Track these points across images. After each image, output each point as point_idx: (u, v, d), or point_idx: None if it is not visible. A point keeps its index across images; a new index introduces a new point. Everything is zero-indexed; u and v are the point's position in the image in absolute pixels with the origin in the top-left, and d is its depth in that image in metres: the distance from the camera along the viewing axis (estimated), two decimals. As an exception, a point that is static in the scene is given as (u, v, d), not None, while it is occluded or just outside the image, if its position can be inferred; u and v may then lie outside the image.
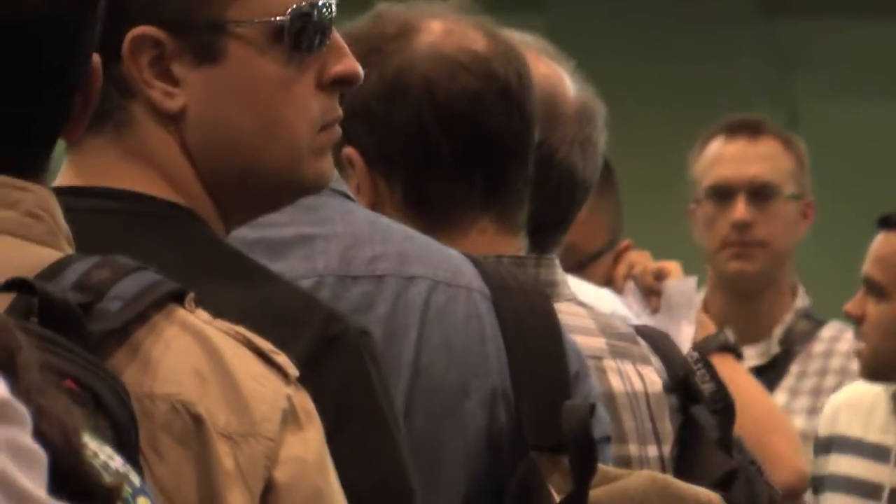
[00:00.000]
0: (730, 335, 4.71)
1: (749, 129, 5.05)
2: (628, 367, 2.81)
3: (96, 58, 1.91)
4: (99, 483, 1.46)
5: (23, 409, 1.34)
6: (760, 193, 4.98)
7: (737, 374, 4.25)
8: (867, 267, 4.48)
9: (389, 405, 2.10)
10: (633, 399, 2.80)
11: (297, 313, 2.09)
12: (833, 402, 4.44)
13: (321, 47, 2.15)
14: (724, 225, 4.97)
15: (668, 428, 2.78)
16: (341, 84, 2.20)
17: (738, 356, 4.17)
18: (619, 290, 4.34)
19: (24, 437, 1.34)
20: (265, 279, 2.14)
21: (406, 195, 2.74)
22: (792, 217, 5.15)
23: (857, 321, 4.52)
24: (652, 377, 2.81)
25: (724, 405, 2.81)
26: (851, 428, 4.42)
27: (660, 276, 4.48)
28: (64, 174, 2.13)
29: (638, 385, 2.81)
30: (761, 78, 8.90)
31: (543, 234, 2.96)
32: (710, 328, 4.58)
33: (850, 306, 4.52)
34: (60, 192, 2.02)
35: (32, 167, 1.90)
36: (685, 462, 2.76)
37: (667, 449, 2.78)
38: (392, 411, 2.13)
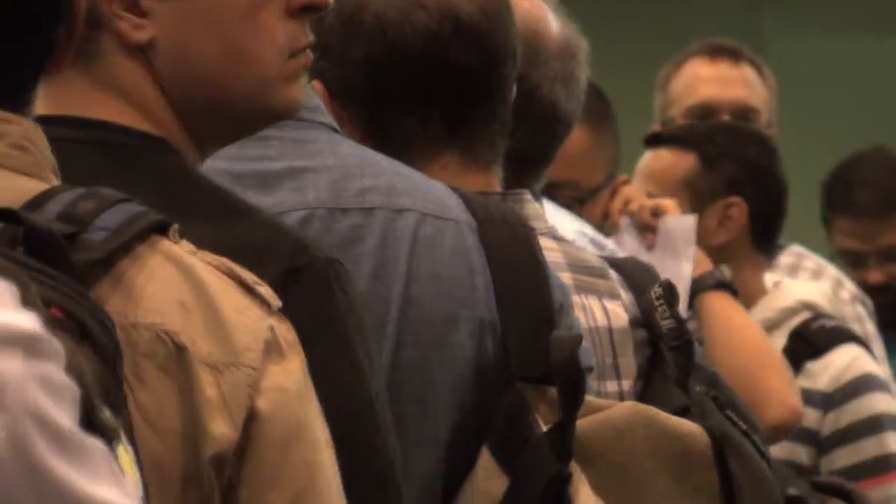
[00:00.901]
0: (726, 272, 4.57)
1: (730, 52, 4.92)
2: (593, 302, 2.80)
3: None
4: (104, 419, 1.47)
5: (57, 345, 1.34)
6: (743, 117, 4.82)
7: (731, 312, 4.19)
8: (639, 184, 4.45)
9: (359, 334, 2.07)
10: (595, 334, 2.77)
11: (263, 244, 2.05)
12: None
13: None
14: None
15: (630, 363, 2.78)
16: (308, 10, 2.17)
17: (734, 293, 4.02)
18: (614, 226, 4.22)
19: (59, 372, 1.33)
20: (236, 211, 2.10)
21: (366, 130, 2.70)
22: None
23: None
24: (618, 311, 2.81)
25: (681, 342, 2.79)
26: None
27: (656, 213, 4.29)
28: (38, 104, 1.99)
29: (601, 320, 2.79)
30: (728, 14, 8.98)
31: (525, 168, 2.94)
32: (707, 265, 4.52)
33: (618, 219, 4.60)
34: (38, 121, 1.96)
35: (17, 100, 1.86)
36: (646, 396, 2.76)
37: (627, 384, 2.78)
38: (363, 340, 2.10)
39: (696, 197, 4.38)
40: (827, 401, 4.38)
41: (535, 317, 2.39)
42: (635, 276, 2.87)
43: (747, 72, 4.82)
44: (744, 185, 4.39)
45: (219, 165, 2.24)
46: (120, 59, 2.07)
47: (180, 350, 1.78)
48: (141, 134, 2.06)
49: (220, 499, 1.79)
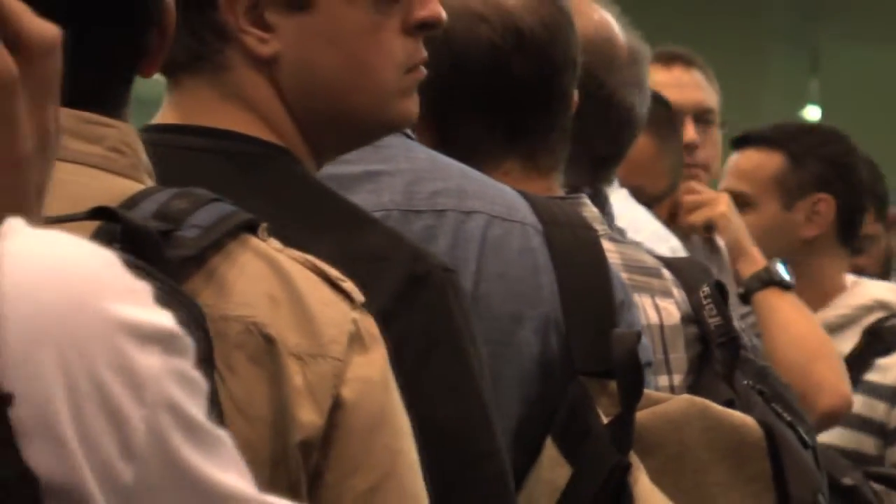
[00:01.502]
0: (778, 269, 4.63)
1: (682, 59, 4.83)
2: (646, 301, 2.83)
3: (170, 1, 1.91)
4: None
5: (189, 341, 1.37)
6: (703, 119, 4.74)
7: (784, 307, 4.24)
8: (728, 182, 4.57)
9: (471, 341, 2.12)
10: (647, 331, 2.80)
11: (385, 251, 2.12)
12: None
13: None
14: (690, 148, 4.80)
15: (681, 358, 2.84)
16: (425, 27, 2.22)
17: (786, 288, 4.09)
18: (685, 235, 4.27)
19: (190, 367, 1.36)
20: (356, 218, 2.17)
21: (435, 136, 2.75)
22: (720, 144, 4.96)
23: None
24: (670, 309, 2.85)
25: (727, 339, 2.83)
26: None
27: (708, 227, 4.39)
28: (164, 113, 2.14)
29: (653, 318, 2.84)
30: (787, 27, 9.00)
31: (602, 168, 3.09)
32: (761, 263, 4.58)
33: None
34: (164, 130, 2.11)
35: (115, 103, 1.91)
36: (695, 390, 2.80)
37: (678, 378, 2.83)
38: (475, 347, 2.15)
39: (786, 193, 4.45)
40: (895, 395, 4.39)
41: (597, 314, 2.43)
42: (689, 275, 2.91)
43: (698, 76, 4.77)
44: (830, 182, 4.42)
45: None
46: (246, 72, 2.12)
47: (269, 342, 1.83)
48: (264, 143, 2.12)
49: (307, 482, 1.85)
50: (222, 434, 1.36)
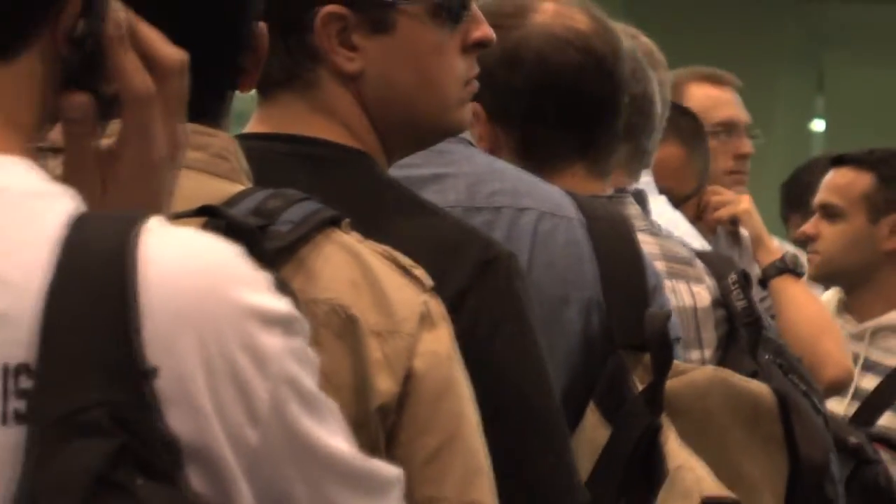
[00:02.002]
0: (791, 258, 4.75)
1: (727, 80, 5.08)
2: (682, 286, 3.02)
3: (262, 26, 2.03)
4: None
5: (305, 324, 1.47)
6: (746, 130, 5.01)
7: (797, 292, 4.50)
8: (823, 195, 4.72)
9: (534, 319, 2.25)
10: (682, 312, 2.98)
11: (458, 239, 2.25)
12: None
13: (464, 18, 2.31)
14: (729, 157, 4.92)
15: (711, 336, 3.02)
16: (479, 46, 2.37)
17: (798, 275, 4.33)
18: (706, 225, 4.49)
19: (305, 346, 1.45)
20: (430, 212, 2.31)
21: (518, 143, 2.92)
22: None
23: (811, 239, 4.72)
24: (702, 294, 3.04)
25: (751, 320, 3.02)
26: None
27: (734, 221, 4.68)
28: (255, 124, 2.28)
29: (688, 301, 3.02)
30: (795, 51, 8.99)
31: (647, 161, 3.37)
32: (776, 254, 4.67)
33: (807, 228, 4.72)
34: (260, 138, 2.24)
35: (216, 116, 2.03)
36: (723, 363, 2.97)
37: (708, 353, 3.02)
38: (535, 324, 2.27)
39: (872, 209, 4.66)
40: None
41: (632, 296, 2.58)
42: (717, 265, 3.13)
43: (735, 94, 5.02)
44: None
45: None
46: (333, 87, 2.25)
47: (352, 321, 1.96)
48: (347, 148, 2.25)
49: (384, 442, 1.98)
50: (332, 404, 1.48)
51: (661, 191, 3.90)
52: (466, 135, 2.64)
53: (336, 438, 1.47)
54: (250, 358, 1.38)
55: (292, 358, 1.43)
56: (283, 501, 1.46)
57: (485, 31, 2.37)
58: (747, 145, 4.93)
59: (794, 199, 5.94)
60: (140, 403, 1.33)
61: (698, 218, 4.44)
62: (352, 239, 2.01)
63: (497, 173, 2.58)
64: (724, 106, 4.88)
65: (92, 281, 1.38)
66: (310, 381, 1.45)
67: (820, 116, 10.56)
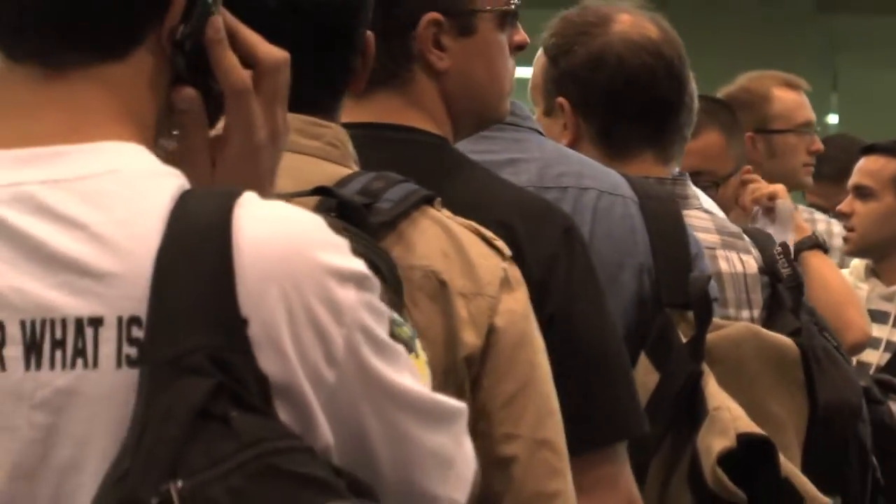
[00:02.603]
0: (819, 236, 4.88)
1: (802, 85, 5.17)
2: (733, 255, 3.17)
3: (370, 34, 2.14)
4: (402, 333, 1.72)
5: (376, 281, 1.53)
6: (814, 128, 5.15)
7: (823, 265, 4.65)
8: (857, 178, 4.96)
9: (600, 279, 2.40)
10: (735, 277, 3.16)
11: (542, 210, 2.41)
12: None
13: (514, 25, 2.49)
14: (804, 152, 4.94)
15: (758, 298, 3.16)
16: (518, 49, 2.51)
17: (825, 251, 4.49)
18: (741, 205, 4.57)
19: (377, 300, 1.51)
20: (513, 187, 2.46)
21: (598, 132, 3.11)
22: None
23: (846, 216, 4.94)
24: (750, 262, 3.18)
25: (795, 284, 3.20)
26: None
27: (772, 197, 4.71)
28: (355, 116, 2.34)
29: (739, 268, 3.17)
30: (812, 54, 8.99)
31: (685, 149, 3.37)
32: (807, 231, 4.80)
33: (843, 206, 4.94)
34: (364, 127, 2.33)
35: (329, 111, 2.15)
36: (769, 322, 3.14)
37: (756, 312, 3.16)
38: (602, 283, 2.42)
39: None
40: None
41: (677, 263, 2.74)
42: (760, 239, 3.29)
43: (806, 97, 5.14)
44: None
45: None
46: (424, 83, 2.38)
47: (443, 285, 2.08)
48: (434, 135, 2.40)
49: (470, 387, 2.09)
50: (399, 348, 1.55)
51: (704, 173, 4.09)
52: (538, 126, 2.82)
53: (404, 377, 1.54)
54: (327, 308, 1.45)
55: (364, 309, 1.49)
56: (357, 432, 1.53)
57: (523, 36, 2.51)
58: (819, 143, 5.02)
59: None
60: (235, 348, 1.40)
61: (735, 198, 4.53)
62: (443, 215, 2.12)
63: (563, 158, 2.73)
64: (804, 109, 4.99)
65: (195, 246, 1.46)
66: (380, 329, 1.52)
67: (834, 112, 10.88)
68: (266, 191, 1.63)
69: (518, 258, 2.23)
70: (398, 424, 1.54)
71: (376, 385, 1.51)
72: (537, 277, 2.27)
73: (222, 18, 1.61)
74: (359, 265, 1.51)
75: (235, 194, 1.49)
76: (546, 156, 2.68)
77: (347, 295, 1.47)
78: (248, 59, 1.62)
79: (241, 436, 1.37)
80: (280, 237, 1.48)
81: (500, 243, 2.16)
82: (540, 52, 3.26)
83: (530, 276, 2.27)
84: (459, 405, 1.64)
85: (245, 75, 1.63)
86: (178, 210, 1.47)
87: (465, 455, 1.64)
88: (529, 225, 2.30)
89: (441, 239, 2.13)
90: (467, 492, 1.68)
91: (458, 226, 2.13)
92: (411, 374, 1.58)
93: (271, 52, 1.63)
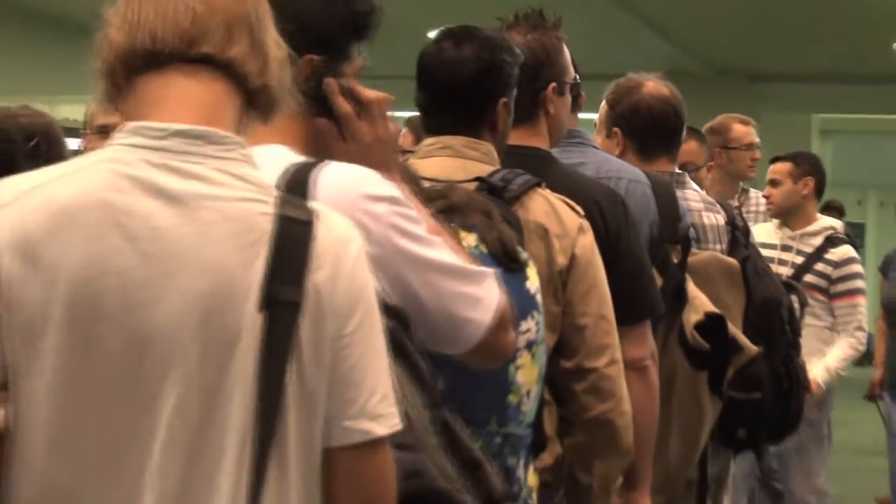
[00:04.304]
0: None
1: (751, 122, 5.75)
2: (710, 214, 3.69)
3: (503, 101, 2.43)
4: (521, 255, 2.14)
5: (409, 207, 1.81)
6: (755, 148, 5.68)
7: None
8: (770, 175, 5.69)
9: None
10: (712, 227, 3.70)
11: (612, 192, 2.82)
12: (755, 229, 5.08)
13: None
14: (748, 160, 5.67)
15: (725, 238, 3.70)
16: (577, 105, 2.86)
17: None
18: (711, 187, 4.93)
19: (411, 210, 1.78)
20: (588, 178, 2.87)
21: (637, 147, 3.66)
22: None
23: (768, 196, 5.70)
24: (720, 218, 3.71)
25: (745, 232, 3.76)
26: (758, 237, 5.07)
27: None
28: (511, 140, 2.52)
29: (713, 221, 3.70)
30: (736, 99, 9.57)
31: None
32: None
33: (765, 192, 5.68)
34: (514, 147, 2.60)
35: (480, 135, 2.47)
36: (730, 252, 3.68)
37: (723, 247, 3.70)
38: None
39: (793, 178, 5.62)
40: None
41: (672, 219, 3.24)
42: (725, 206, 3.79)
43: (753, 128, 5.66)
44: (811, 173, 5.61)
45: None
46: (542, 122, 2.81)
47: (545, 230, 2.42)
48: (545, 150, 2.81)
49: (561, 288, 2.43)
50: (437, 239, 1.84)
51: (688, 163, 4.45)
52: (596, 143, 3.32)
53: (436, 252, 1.81)
54: (364, 214, 1.74)
55: (396, 216, 1.78)
56: (404, 284, 1.81)
57: (582, 97, 2.84)
58: (757, 154, 5.68)
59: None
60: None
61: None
62: (546, 192, 2.47)
63: (607, 161, 3.20)
64: (751, 135, 5.65)
65: (293, 188, 1.74)
66: (412, 227, 1.80)
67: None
68: (383, 170, 1.89)
69: (602, 217, 2.65)
70: (431, 279, 1.82)
71: (410, 257, 1.79)
72: (613, 229, 2.71)
73: (340, 81, 1.92)
74: (392, 192, 1.81)
75: (322, 163, 1.80)
76: (598, 160, 3.18)
77: (380, 207, 1.79)
78: (358, 98, 1.95)
79: None
80: (339, 180, 1.79)
81: (578, 208, 2.47)
82: (603, 102, 3.73)
83: (608, 226, 2.69)
84: (487, 270, 1.91)
85: (348, 108, 1.93)
86: (288, 170, 1.85)
87: (490, 296, 1.89)
88: (606, 200, 2.74)
89: (544, 205, 2.47)
90: (492, 315, 1.91)
91: (554, 198, 2.48)
92: (449, 253, 1.84)
93: (369, 94, 1.95)
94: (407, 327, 1.68)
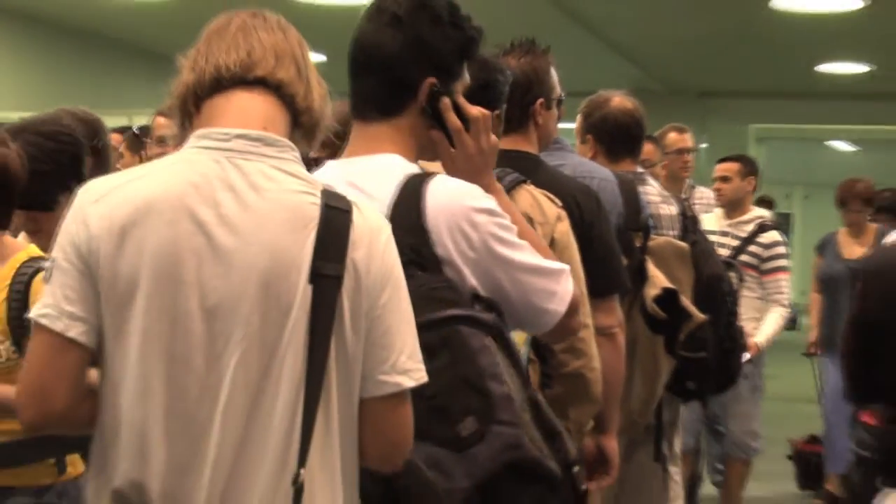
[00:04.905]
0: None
1: (686, 129, 5.71)
2: (666, 206, 3.69)
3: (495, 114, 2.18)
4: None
5: (503, 213, 1.78)
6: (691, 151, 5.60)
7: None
8: (719, 172, 5.63)
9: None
10: (667, 217, 3.69)
11: (588, 189, 2.80)
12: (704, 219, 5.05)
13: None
14: (681, 162, 5.56)
15: (678, 226, 3.68)
16: (559, 117, 2.76)
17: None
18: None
19: (506, 219, 1.75)
20: (570, 178, 2.82)
21: (606, 151, 3.61)
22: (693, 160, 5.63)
23: (718, 190, 5.63)
24: (674, 209, 3.70)
25: (693, 218, 3.76)
26: (709, 225, 5.18)
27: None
28: (502, 145, 2.25)
29: (668, 212, 3.69)
30: (686, 112, 9.17)
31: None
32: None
33: (714, 187, 5.61)
34: (507, 152, 2.45)
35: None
36: (681, 238, 3.65)
37: (675, 233, 3.67)
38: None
39: (740, 175, 5.52)
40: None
41: (634, 210, 3.23)
42: (676, 197, 3.78)
43: (689, 136, 5.65)
44: (754, 172, 5.49)
45: None
46: (532, 131, 2.78)
47: (530, 219, 2.32)
48: (533, 154, 2.77)
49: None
50: (524, 243, 1.83)
51: (646, 160, 4.42)
52: (573, 149, 3.27)
53: (524, 255, 1.81)
54: (467, 225, 1.75)
55: (493, 225, 1.78)
56: (495, 282, 1.79)
57: (562, 111, 2.73)
58: (688, 158, 5.63)
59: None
60: (424, 243, 1.70)
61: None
62: (530, 188, 2.46)
63: (583, 164, 3.18)
64: (684, 141, 5.60)
65: (407, 200, 1.75)
66: (504, 233, 1.79)
67: (706, 144, 11.16)
68: (482, 177, 1.88)
69: (578, 209, 2.63)
70: (518, 277, 1.83)
71: (502, 259, 1.80)
72: (587, 219, 2.70)
73: (451, 98, 1.89)
74: (490, 204, 1.82)
75: (432, 175, 1.77)
76: (575, 163, 3.15)
77: (481, 218, 1.79)
78: (464, 114, 1.93)
79: (417, 280, 1.66)
80: (448, 193, 1.79)
81: (557, 200, 2.45)
82: (579, 114, 3.68)
83: (583, 216, 2.66)
84: (561, 266, 1.90)
85: (458, 123, 1.90)
86: (404, 181, 1.82)
87: (564, 289, 1.91)
88: (581, 195, 2.74)
89: (529, 199, 2.48)
90: (566, 306, 1.93)
91: (537, 192, 2.48)
92: (532, 255, 1.86)
93: (473, 109, 1.94)
94: (502, 317, 1.71)
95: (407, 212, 1.74)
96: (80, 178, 2.51)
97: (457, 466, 1.62)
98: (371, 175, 1.82)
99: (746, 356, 4.64)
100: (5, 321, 2.33)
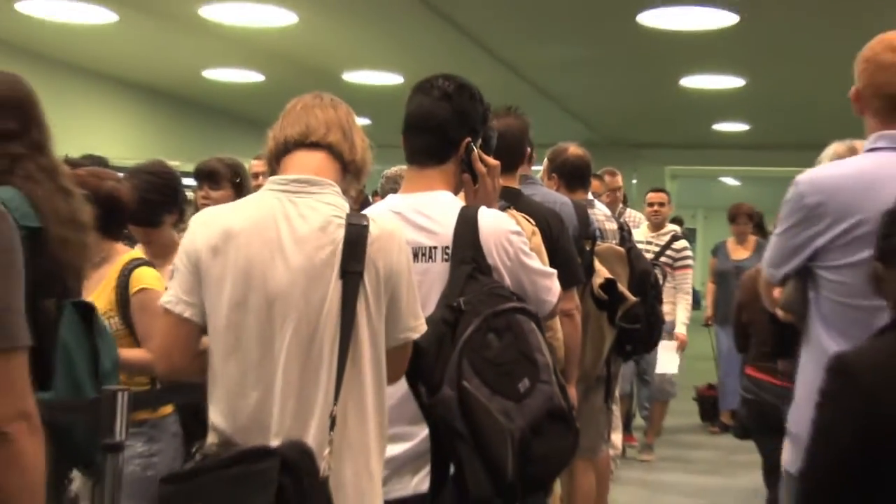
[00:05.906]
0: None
1: (617, 173, 5.23)
2: (609, 223, 3.60)
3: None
4: None
5: (523, 233, 1.76)
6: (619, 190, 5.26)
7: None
8: (650, 199, 5.47)
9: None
10: (611, 230, 3.59)
11: (554, 214, 2.69)
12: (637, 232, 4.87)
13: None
14: (615, 196, 5.18)
15: (617, 236, 3.57)
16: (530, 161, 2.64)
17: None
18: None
19: (524, 238, 1.72)
20: (541, 205, 2.70)
21: (565, 185, 3.52)
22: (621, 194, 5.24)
23: (659, 213, 5.44)
24: (614, 225, 3.60)
25: (629, 232, 3.66)
26: (638, 237, 4.88)
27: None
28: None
29: (611, 227, 3.61)
30: (625, 163, 7.90)
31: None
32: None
33: (654, 209, 5.43)
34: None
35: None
36: (622, 243, 3.56)
37: (616, 242, 3.57)
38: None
39: (671, 201, 5.37)
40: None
41: (584, 223, 3.10)
42: (615, 217, 3.68)
43: (619, 178, 5.28)
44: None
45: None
46: (518, 172, 2.66)
47: (514, 232, 1.93)
48: (518, 189, 2.66)
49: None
50: (534, 253, 1.85)
51: (593, 193, 4.01)
52: (542, 183, 3.19)
53: (535, 262, 1.85)
54: (507, 242, 1.79)
55: (520, 242, 1.83)
56: (519, 281, 1.79)
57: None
58: (619, 193, 5.27)
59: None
60: (480, 255, 1.73)
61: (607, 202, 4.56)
62: (513, 212, 2.31)
63: (549, 194, 3.09)
64: (615, 181, 5.26)
65: (466, 224, 1.77)
66: (526, 247, 1.84)
67: (635, 180, 10.99)
68: (491, 206, 1.90)
69: (548, 227, 2.52)
70: (533, 278, 1.85)
71: (526, 266, 1.83)
72: (555, 234, 2.59)
73: (478, 151, 1.90)
74: (517, 227, 1.82)
75: (480, 208, 1.82)
76: (544, 193, 3.07)
77: (514, 238, 1.82)
78: (485, 163, 1.93)
79: (481, 281, 1.73)
80: (493, 221, 1.81)
81: (532, 220, 2.34)
82: (546, 158, 3.60)
83: (551, 232, 2.55)
84: (553, 270, 1.91)
85: (484, 169, 1.91)
86: (462, 211, 1.82)
87: (556, 286, 1.93)
88: (550, 217, 2.65)
89: (513, 219, 2.14)
90: (556, 297, 1.95)
91: (518, 215, 2.35)
92: (538, 261, 1.88)
93: (490, 161, 1.93)
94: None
95: (467, 233, 1.76)
96: (177, 204, 2.62)
97: (517, 413, 1.66)
98: (434, 206, 1.83)
99: (673, 344, 5.03)
100: (115, 302, 2.33)
